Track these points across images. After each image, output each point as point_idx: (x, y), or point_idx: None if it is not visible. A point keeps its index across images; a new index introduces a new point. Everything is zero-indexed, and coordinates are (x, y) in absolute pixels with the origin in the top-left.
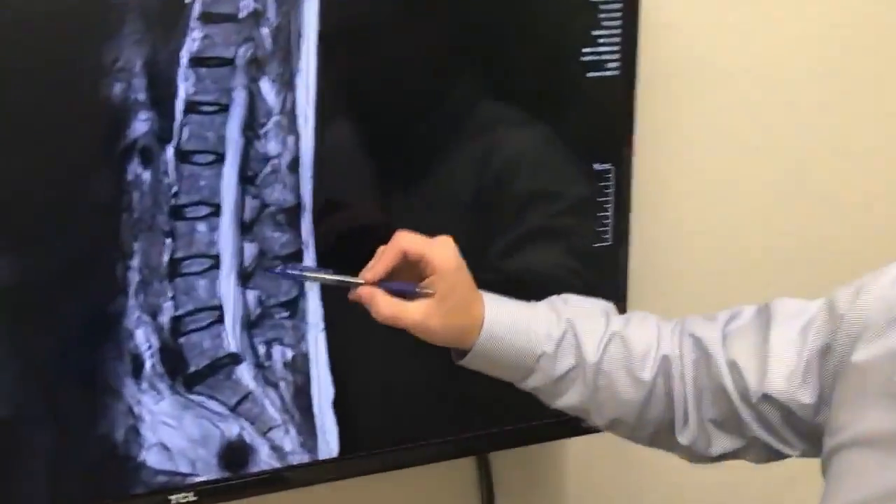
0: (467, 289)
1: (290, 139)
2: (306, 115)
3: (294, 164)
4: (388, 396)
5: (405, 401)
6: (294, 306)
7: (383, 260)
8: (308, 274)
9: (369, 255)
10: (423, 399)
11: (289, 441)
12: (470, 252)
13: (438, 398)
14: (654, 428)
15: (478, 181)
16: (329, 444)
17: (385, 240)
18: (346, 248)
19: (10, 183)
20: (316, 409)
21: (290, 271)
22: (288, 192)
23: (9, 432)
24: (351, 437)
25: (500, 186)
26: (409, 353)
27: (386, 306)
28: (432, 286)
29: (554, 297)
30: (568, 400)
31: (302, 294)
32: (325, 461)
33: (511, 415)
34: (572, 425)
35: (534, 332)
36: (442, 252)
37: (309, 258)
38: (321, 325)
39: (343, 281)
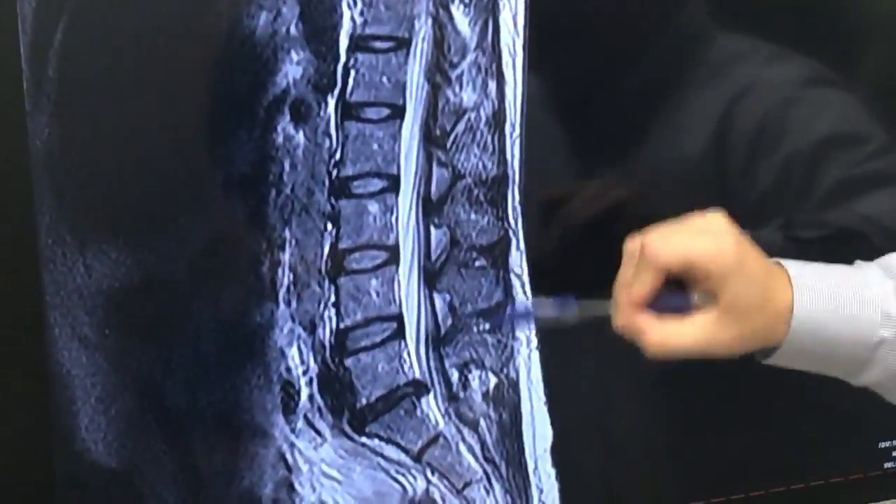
0: (760, 277)
1: (492, 85)
2: (513, 51)
3: (497, 120)
4: (629, 441)
5: (656, 448)
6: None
7: (642, 282)
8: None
9: (602, 246)
10: (684, 446)
11: (492, 501)
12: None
13: (706, 445)
14: None
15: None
16: None
17: (625, 225)
18: (571, 236)
19: (121, 149)
20: (529, 458)
21: (515, 313)
22: (489, 158)
23: (121, 487)
24: (577, 499)
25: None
26: (661, 378)
27: (656, 334)
28: (712, 295)
29: (888, 256)
30: None
31: (510, 299)
32: None
33: (825, 466)
34: None
35: (865, 310)
36: (715, 249)
37: (517, 249)
38: (535, 341)
39: (587, 308)
